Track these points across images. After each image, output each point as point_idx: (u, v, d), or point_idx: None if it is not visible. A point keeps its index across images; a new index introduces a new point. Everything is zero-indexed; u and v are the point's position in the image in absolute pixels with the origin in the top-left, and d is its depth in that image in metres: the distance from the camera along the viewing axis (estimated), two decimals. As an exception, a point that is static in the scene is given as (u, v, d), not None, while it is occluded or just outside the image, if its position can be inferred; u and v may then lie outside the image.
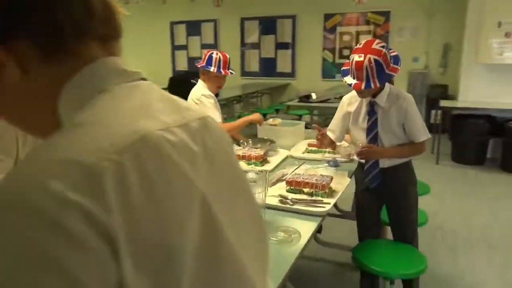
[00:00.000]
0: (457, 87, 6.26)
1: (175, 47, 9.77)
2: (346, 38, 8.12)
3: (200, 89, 2.78)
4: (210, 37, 9.30)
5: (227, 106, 7.40)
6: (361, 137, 2.18)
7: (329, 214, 1.91)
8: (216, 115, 2.68)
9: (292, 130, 3.04)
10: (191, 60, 9.39)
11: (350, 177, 2.20)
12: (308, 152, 2.69)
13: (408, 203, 2.19)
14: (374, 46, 1.96)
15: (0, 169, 1.08)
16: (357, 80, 1.98)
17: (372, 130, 2.11)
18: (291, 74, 8.65)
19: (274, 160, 2.49)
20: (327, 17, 8.17)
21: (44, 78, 0.50)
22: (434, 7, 7.33)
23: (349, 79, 2.03)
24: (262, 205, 1.57)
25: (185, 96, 6.24)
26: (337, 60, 8.18)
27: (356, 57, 1.96)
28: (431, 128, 6.50)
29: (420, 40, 7.58)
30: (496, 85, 5.39)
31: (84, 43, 0.51)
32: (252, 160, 2.41)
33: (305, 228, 1.57)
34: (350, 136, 2.46)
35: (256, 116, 2.95)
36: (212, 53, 2.74)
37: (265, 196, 1.58)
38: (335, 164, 2.41)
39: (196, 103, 2.68)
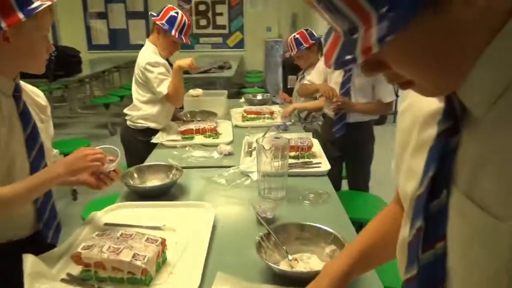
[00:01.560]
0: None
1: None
2: (201, 7, 8.04)
3: (147, 55, 2.29)
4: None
5: (74, 89, 6.52)
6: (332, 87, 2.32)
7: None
8: (161, 87, 2.25)
9: (216, 100, 2.96)
10: None
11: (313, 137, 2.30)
12: (248, 120, 2.67)
13: (365, 156, 2.44)
14: None
15: None
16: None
17: (345, 85, 2.27)
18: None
19: (223, 131, 2.39)
20: (181, -15, 7.91)
21: (479, 22, 0.41)
22: (280, -23, 7.85)
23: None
24: (284, 172, 1.53)
25: (36, 75, 5.17)
26: (195, 31, 8.07)
27: None
28: (288, 91, 7.15)
29: (271, 10, 8.05)
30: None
31: None
32: (207, 133, 2.28)
33: (326, 188, 1.62)
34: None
35: (185, 61, 2.28)
36: (176, 12, 2.28)
37: (287, 164, 1.54)
38: (284, 127, 2.47)
39: (142, 71, 2.27)
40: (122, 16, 8.05)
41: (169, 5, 2.34)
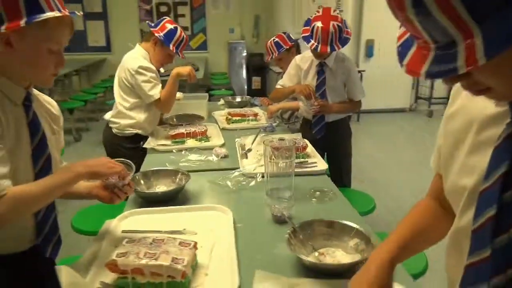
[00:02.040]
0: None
1: None
2: (163, 9, 7.94)
3: (138, 59, 2.26)
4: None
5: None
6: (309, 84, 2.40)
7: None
8: (152, 91, 2.23)
9: (198, 103, 2.98)
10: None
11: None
12: (233, 123, 2.71)
13: (346, 152, 2.55)
14: (332, 13, 2.15)
15: None
16: (322, 44, 2.14)
17: (320, 88, 2.35)
18: (107, 48, 7.94)
19: (212, 134, 2.41)
20: (140, -14, 7.77)
21: None
22: (242, -20, 7.91)
23: (313, 44, 2.18)
24: (291, 172, 1.59)
25: None
26: (156, 32, 7.94)
27: (319, 24, 2.11)
28: (252, 93, 7.24)
29: (233, 12, 8.09)
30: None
31: None
32: (198, 137, 2.29)
33: (329, 185, 1.69)
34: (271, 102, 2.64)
35: (185, 69, 2.36)
36: (176, 28, 2.28)
37: (293, 165, 1.60)
38: (271, 129, 2.53)
39: (131, 74, 2.22)
40: (79, 17, 7.76)
41: (167, 18, 2.37)
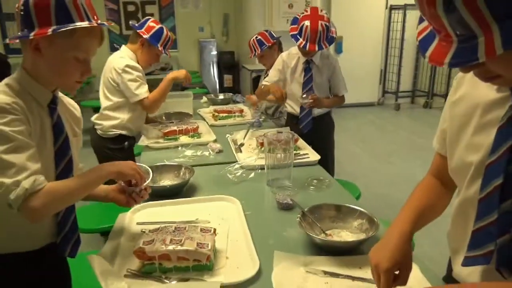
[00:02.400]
0: (242, 53, 7.15)
1: None
2: (130, 8, 7.83)
3: (125, 59, 2.28)
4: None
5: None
6: (297, 90, 2.50)
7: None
8: (139, 90, 2.28)
9: (183, 101, 3.02)
10: None
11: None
12: (220, 119, 2.78)
13: (330, 143, 2.69)
14: (320, 13, 2.26)
15: None
16: (310, 43, 2.25)
17: (307, 84, 2.47)
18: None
19: (202, 131, 2.48)
20: (107, -15, 7.63)
21: None
22: (209, -22, 7.94)
23: (301, 42, 2.28)
24: (290, 163, 1.69)
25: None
26: (124, 32, 7.84)
27: (308, 23, 2.22)
28: (224, 91, 7.30)
29: (202, 11, 8.10)
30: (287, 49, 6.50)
31: None
32: (191, 133, 2.35)
33: (323, 175, 1.81)
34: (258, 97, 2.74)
35: (181, 72, 2.50)
36: (162, 28, 2.31)
37: (292, 156, 1.69)
38: (258, 124, 2.63)
39: (118, 73, 2.24)
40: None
41: (151, 18, 2.39)
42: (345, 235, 1.28)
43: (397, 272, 0.90)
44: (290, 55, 2.56)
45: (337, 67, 2.57)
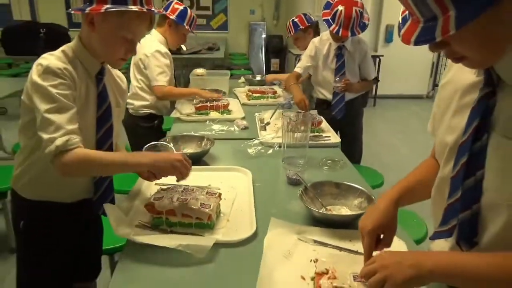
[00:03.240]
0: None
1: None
2: (185, -12, 8.04)
3: (155, 43, 2.43)
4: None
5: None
6: (329, 76, 2.53)
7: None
8: (160, 77, 2.39)
9: (220, 80, 3.14)
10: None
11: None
12: (253, 99, 2.87)
13: (359, 129, 2.71)
14: None
15: None
16: (343, 28, 2.27)
17: (340, 70, 2.50)
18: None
19: (233, 108, 2.58)
20: (164, -36, 7.86)
21: None
22: (265, -39, 7.94)
23: (334, 28, 2.31)
24: (305, 143, 1.75)
25: (27, 52, 5.19)
26: (179, 11, 8.06)
27: (341, 8, 2.24)
28: (271, 73, 7.33)
29: (255, -8, 8.15)
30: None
31: None
32: (221, 109, 2.46)
33: (340, 156, 1.85)
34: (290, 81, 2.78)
35: (206, 93, 2.60)
36: (185, 8, 2.45)
37: (308, 136, 1.75)
38: (289, 106, 2.68)
39: (147, 56, 2.38)
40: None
41: (175, 0, 2.50)
42: (344, 211, 1.34)
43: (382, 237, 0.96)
44: (322, 41, 2.58)
45: (368, 52, 2.57)
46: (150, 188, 1.48)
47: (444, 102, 0.88)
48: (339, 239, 1.18)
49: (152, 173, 1.26)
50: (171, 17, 2.41)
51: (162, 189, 1.32)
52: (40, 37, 4.80)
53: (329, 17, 2.37)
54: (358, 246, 1.13)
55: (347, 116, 2.63)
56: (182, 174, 1.23)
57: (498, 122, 0.72)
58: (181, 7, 2.44)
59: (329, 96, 2.65)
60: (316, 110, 2.51)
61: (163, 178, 1.27)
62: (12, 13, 7.86)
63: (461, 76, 0.83)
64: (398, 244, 1.14)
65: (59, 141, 1.10)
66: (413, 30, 0.67)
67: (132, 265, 1.06)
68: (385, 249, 0.95)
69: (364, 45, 2.56)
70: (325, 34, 2.57)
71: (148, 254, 1.09)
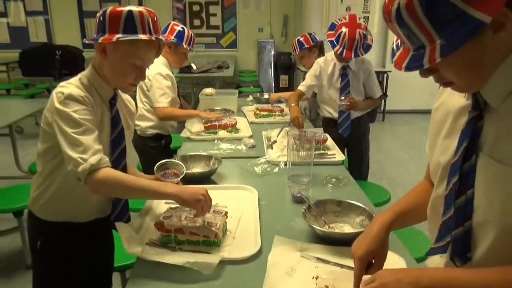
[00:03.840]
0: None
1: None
2: (195, 8, 8.24)
3: (157, 66, 2.53)
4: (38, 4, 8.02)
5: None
6: (334, 95, 2.60)
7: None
8: (161, 99, 2.48)
9: (228, 99, 3.22)
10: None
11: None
12: (261, 117, 2.94)
13: (366, 145, 2.75)
14: (358, 21, 2.35)
15: None
16: (347, 50, 2.35)
17: (345, 89, 2.56)
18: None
19: (241, 127, 2.65)
20: (175, -14, 8.09)
21: (503, 43, 0.68)
22: (272, -19, 8.12)
23: (338, 49, 2.39)
24: (310, 161, 1.80)
25: (43, 73, 5.38)
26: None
27: (345, 30, 2.32)
28: (280, 91, 7.43)
29: (263, 12, 8.31)
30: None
31: None
32: (229, 128, 2.54)
33: (344, 174, 1.90)
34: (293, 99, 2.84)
35: (207, 114, 2.67)
36: (183, 28, 2.55)
37: (313, 154, 1.80)
38: (295, 124, 2.74)
39: (149, 79, 2.49)
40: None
41: (173, 22, 2.60)
42: (347, 229, 1.38)
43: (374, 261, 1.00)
44: (326, 61, 2.65)
45: (372, 71, 2.63)
46: (159, 206, 1.54)
47: (437, 124, 0.93)
48: (341, 256, 1.22)
49: None
50: (169, 39, 2.51)
51: (171, 208, 1.38)
52: (56, 59, 4.97)
53: (333, 38, 2.44)
54: (359, 263, 1.17)
55: (353, 134, 2.68)
56: (203, 209, 1.26)
57: (485, 143, 0.77)
58: (179, 28, 2.54)
59: (335, 114, 2.71)
60: (323, 128, 2.56)
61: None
62: (29, 35, 8.14)
63: (452, 100, 0.89)
64: (398, 261, 1.18)
65: (93, 160, 1.17)
66: (405, 57, 0.74)
67: (142, 281, 1.12)
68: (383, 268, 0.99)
69: (368, 64, 2.63)
70: (330, 54, 2.64)
71: (157, 271, 1.15)
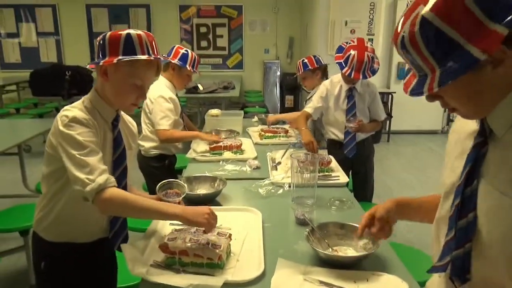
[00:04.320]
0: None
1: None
2: (202, 30, 8.40)
3: (161, 88, 2.58)
4: (49, 25, 8.23)
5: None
6: (340, 117, 2.64)
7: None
8: (162, 121, 2.53)
9: (234, 120, 3.26)
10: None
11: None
12: (266, 138, 2.96)
13: (371, 167, 2.76)
14: (366, 44, 2.41)
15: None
16: (355, 71, 2.41)
17: (351, 111, 2.60)
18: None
19: (246, 148, 2.68)
20: (182, 8, 8.28)
21: (505, 78, 0.72)
22: (278, 3, 8.28)
23: (347, 71, 2.47)
24: (314, 183, 1.81)
25: (53, 93, 5.50)
26: (196, 52, 8.41)
27: (354, 52, 2.39)
28: (285, 111, 7.49)
29: (269, 33, 8.46)
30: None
31: None
32: (234, 150, 2.56)
33: (348, 196, 1.90)
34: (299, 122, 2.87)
35: (208, 137, 2.69)
36: (187, 50, 2.62)
37: (316, 177, 1.82)
38: (300, 145, 2.76)
39: (151, 102, 2.56)
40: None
41: (177, 45, 2.68)
42: (350, 252, 1.38)
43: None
44: (333, 84, 2.70)
45: (377, 94, 2.68)
46: (164, 228, 1.56)
47: (450, 146, 0.97)
48: (344, 279, 1.22)
49: None
50: (173, 61, 2.57)
51: (175, 230, 1.39)
52: (66, 79, 5.07)
53: (341, 60, 2.51)
54: (362, 287, 1.17)
55: (358, 155, 2.70)
56: (210, 226, 1.30)
57: (487, 170, 0.79)
58: (183, 50, 2.61)
59: (340, 136, 2.73)
60: (327, 150, 2.58)
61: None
62: (40, 55, 8.32)
63: (465, 124, 0.91)
64: (401, 285, 1.18)
65: (100, 179, 1.21)
66: (411, 81, 0.80)
67: (146, 303, 1.13)
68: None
69: (373, 87, 2.67)
70: (336, 77, 2.69)
71: (161, 293, 1.15)
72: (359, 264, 1.29)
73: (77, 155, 1.22)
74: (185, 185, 1.59)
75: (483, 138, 0.80)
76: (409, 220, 1.21)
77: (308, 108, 2.77)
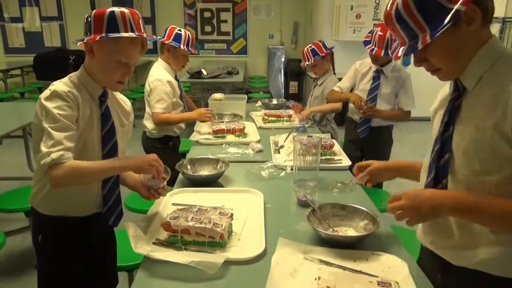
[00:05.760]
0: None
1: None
2: (206, 14, 8.33)
3: (159, 71, 2.59)
4: (52, 9, 8.19)
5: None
6: (362, 96, 2.67)
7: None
8: (157, 104, 2.54)
9: (237, 104, 3.25)
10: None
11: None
12: (269, 122, 2.96)
13: (383, 157, 2.74)
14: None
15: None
16: (378, 47, 2.43)
17: (372, 92, 2.62)
18: (153, 51, 8.41)
19: (249, 131, 2.68)
20: (187, -8, 8.20)
21: (475, 37, 0.97)
22: (283, -12, 8.18)
23: (370, 47, 2.54)
24: (316, 166, 1.82)
25: (57, 78, 5.57)
26: (200, 37, 8.36)
27: (377, 29, 2.49)
28: (289, 97, 7.46)
29: (274, 18, 8.38)
30: (351, 59, 6.51)
31: (488, 26, 0.99)
32: (237, 133, 2.56)
33: (349, 178, 1.91)
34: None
35: (201, 117, 2.71)
36: (180, 30, 2.60)
37: (319, 159, 1.82)
38: (303, 129, 2.77)
39: (148, 85, 2.57)
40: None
41: (172, 26, 2.66)
42: (350, 232, 1.40)
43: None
44: (363, 64, 2.75)
45: (407, 82, 2.65)
46: (167, 208, 1.57)
47: (435, 111, 1.19)
48: (343, 259, 1.23)
49: (151, 193, 1.48)
50: (167, 42, 2.56)
51: (178, 209, 1.41)
52: (69, 63, 5.07)
53: (368, 39, 2.56)
54: (361, 266, 1.19)
55: (373, 142, 2.70)
56: (158, 172, 1.39)
57: (462, 116, 1.03)
58: (176, 30, 2.59)
59: (357, 115, 2.77)
60: (330, 134, 2.58)
61: (176, 197, 1.36)
62: (43, 40, 8.31)
63: (443, 92, 1.18)
64: (400, 265, 1.19)
65: (54, 155, 1.22)
66: (399, 50, 1.02)
67: (148, 279, 1.15)
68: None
69: (404, 74, 2.65)
70: (368, 58, 2.73)
71: (163, 269, 1.17)
72: (359, 244, 1.31)
73: (48, 127, 1.25)
74: (169, 170, 1.58)
75: (457, 93, 1.04)
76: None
77: (336, 87, 2.83)
